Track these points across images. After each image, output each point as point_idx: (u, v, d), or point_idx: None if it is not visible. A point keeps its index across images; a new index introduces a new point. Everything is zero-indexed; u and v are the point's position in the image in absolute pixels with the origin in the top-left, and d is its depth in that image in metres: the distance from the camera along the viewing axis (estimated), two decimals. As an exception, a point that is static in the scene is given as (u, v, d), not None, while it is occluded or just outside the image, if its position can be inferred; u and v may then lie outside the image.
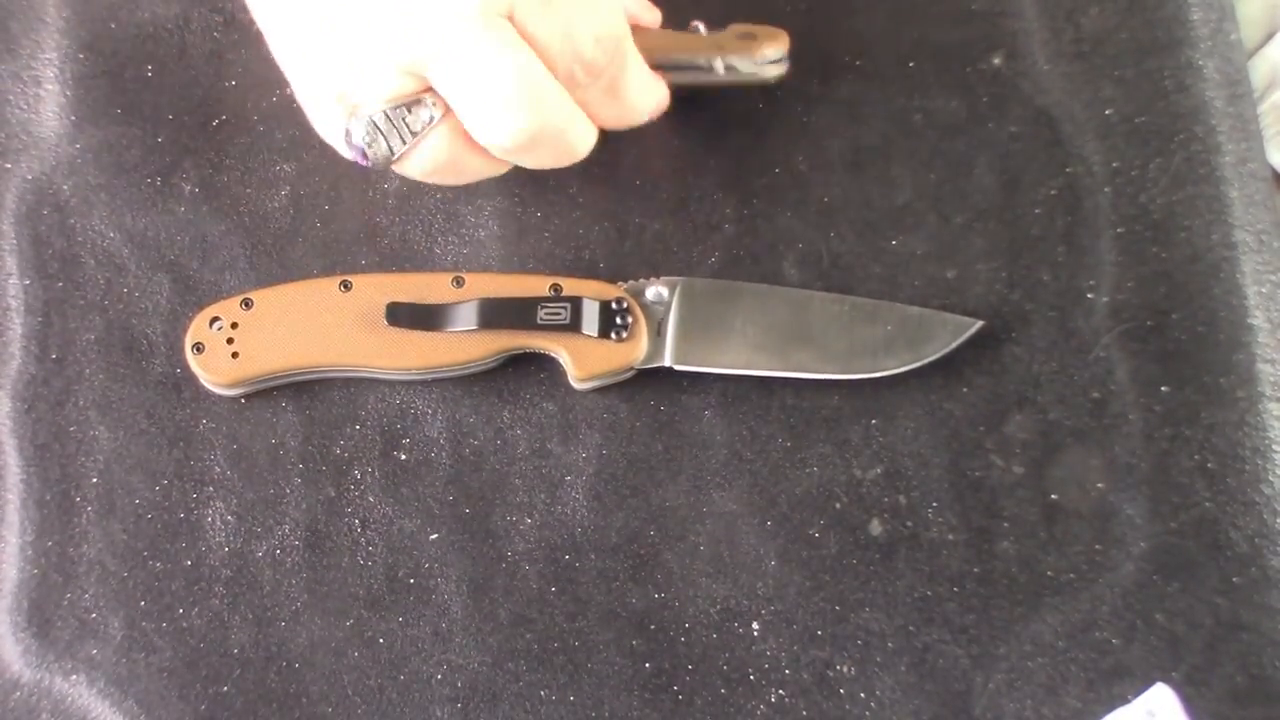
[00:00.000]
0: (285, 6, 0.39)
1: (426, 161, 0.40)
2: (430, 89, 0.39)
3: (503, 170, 0.43)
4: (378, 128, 0.39)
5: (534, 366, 0.47)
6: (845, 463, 0.46)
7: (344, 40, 0.38)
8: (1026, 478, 0.46)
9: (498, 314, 0.45)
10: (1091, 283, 0.48)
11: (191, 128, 0.50)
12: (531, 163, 0.42)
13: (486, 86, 0.37)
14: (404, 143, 0.39)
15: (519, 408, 0.47)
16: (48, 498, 0.46)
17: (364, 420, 0.47)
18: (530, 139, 0.39)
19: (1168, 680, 0.39)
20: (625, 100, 0.43)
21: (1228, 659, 0.44)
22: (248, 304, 0.46)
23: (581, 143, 0.42)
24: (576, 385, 0.46)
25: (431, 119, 0.39)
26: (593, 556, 0.45)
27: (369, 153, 0.39)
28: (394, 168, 0.40)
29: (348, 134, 0.39)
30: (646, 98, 0.44)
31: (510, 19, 0.37)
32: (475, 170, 0.42)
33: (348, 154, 0.40)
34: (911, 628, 0.44)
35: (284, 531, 0.45)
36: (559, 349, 0.46)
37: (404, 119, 0.39)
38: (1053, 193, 0.49)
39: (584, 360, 0.45)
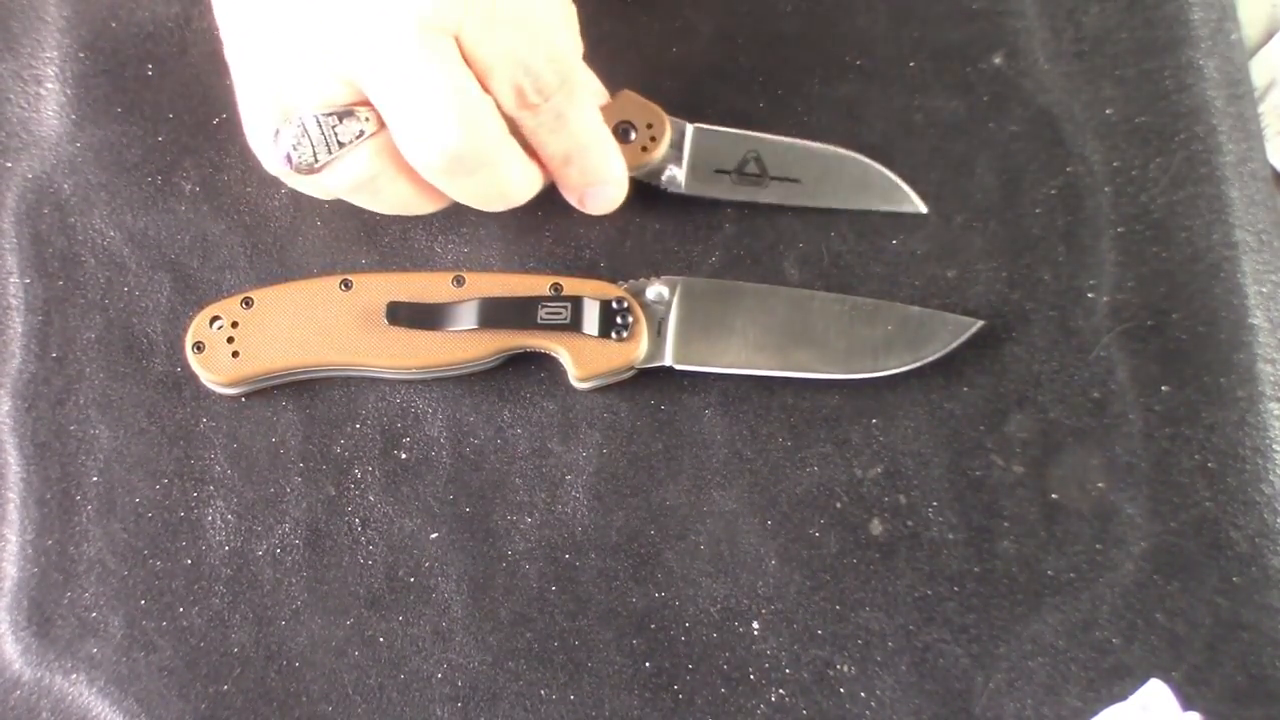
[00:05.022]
0: (236, 5, 0.39)
1: (348, 175, 0.40)
2: (366, 103, 0.38)
3: (430, 207, 0.42)
4: (307, 133, 0.38)
5: (534, 366, 0.47)
6: (845, 462, 0.46)
7: (285, 43, 0.38)
8: (1027, 477, 0.46)
9: (498, 313, 0.45)
10: (1092, 282, 0.48)
11: (192, 126, 0.50)
12: (463, 194, 0.41)
13: (418, 102, 0.37)
14: (330, 152, 0.39)
15: (519, 407, 0.47)
16: (48, 496, 0.46)
17: (364, 419, 0.47)
18: (459, 161, 0.38)
19: (1167, 680, 0.39)
20: (574, 135, 0.42)
21: (1228, 659, 0.44)
22: (248, 303, 0.46)
23: (517, 181, 0.41)
24: (577, 384, 0.46)
25: (361, 133, 0.38)
26: (593, 556, 0.45)
27: (293, 156, 0.39)
28: (315, 177, 0.40)
29: (276, 134, 0.39)
30: (597, 142, 0.43)
31: (457, 39, 0.37)
32: (398, 197, 0.41)
33: (272, 160, 0.40)
34: (911, 627, 0.45)
35: (284, 530, 0.45)
36: (559, 348, 0.46)
37: (334, 128, 0.38)
38: (1053, 192, 0.49)
39: (584, 359, 0.45)
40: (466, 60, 0.38)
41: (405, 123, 0.38)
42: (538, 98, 0.40)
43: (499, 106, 0.39)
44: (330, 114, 0.38)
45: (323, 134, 0.38)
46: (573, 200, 0.45)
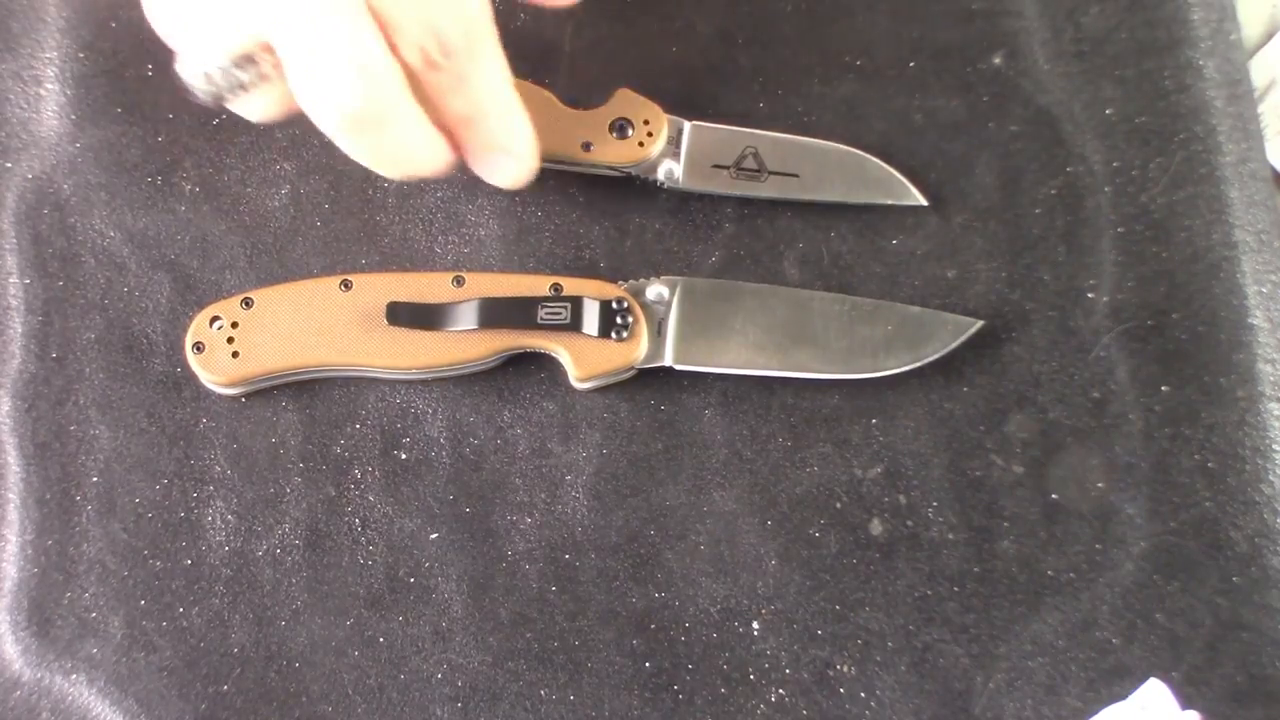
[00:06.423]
0: None
1: (256, 113, 0.39)
2: (269, 48, 0.37)
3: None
4: (213, 80, 0.38)
5: (534, 366, 0.47)
6: (845, 462, 0.46)
7: None
8: (1026, 477, 0.46)
9: (498, 313, 0.45)
10: (1092, 282, 0.48)
11: (191, 127, 0.50)
12: (362, 154, 0.40)
13: (318, 56, 0.36)
14: (235, 95, 0.38)
15: (519, 407, 0.47)
16: (48, 496, 0.46)
17: (364, 420, 0.47)
18: (355, 120, 0.37)
19: (1167, 680, 0.40)
20: (475, 97, 0.41)
21: (1228, 659, 0.44)
22: (248, 303, 0.46)
23: (417, 146, 0.40)
24: (577, 385, 0.46)
25: (260, 77, 0.38)
26: (593, 556, 0.45)
27: (202, 94, 0.38)
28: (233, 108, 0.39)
29: (188, 68, 0.38)
30: (498, 107, 0.42)
31: None
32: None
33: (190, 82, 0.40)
34: (911, 627, 0.45)
35: (284, 531, 0.45)
36: (559, 348, 0.46)
37: (237, 73, 0.37)
38: (1053, 192, 0.49)
39: (584, 360, 0.45)
40: (374, 16, 0.37)
41: (303, 77, 0.37)
42: (441, 57, 0.39)
43: (405, 67, 0.39)
44: (236, 59, 0.37)
45: (229, 78, 0.38)
46: (477, 169, 0.43)
